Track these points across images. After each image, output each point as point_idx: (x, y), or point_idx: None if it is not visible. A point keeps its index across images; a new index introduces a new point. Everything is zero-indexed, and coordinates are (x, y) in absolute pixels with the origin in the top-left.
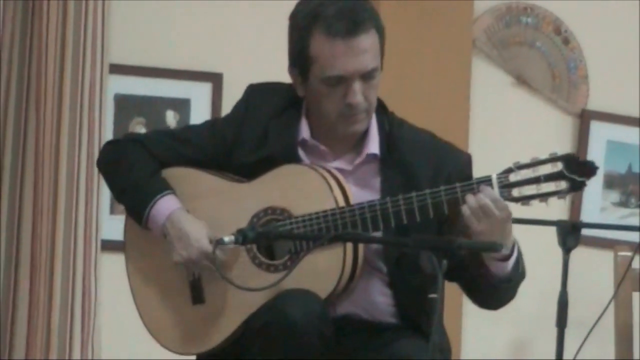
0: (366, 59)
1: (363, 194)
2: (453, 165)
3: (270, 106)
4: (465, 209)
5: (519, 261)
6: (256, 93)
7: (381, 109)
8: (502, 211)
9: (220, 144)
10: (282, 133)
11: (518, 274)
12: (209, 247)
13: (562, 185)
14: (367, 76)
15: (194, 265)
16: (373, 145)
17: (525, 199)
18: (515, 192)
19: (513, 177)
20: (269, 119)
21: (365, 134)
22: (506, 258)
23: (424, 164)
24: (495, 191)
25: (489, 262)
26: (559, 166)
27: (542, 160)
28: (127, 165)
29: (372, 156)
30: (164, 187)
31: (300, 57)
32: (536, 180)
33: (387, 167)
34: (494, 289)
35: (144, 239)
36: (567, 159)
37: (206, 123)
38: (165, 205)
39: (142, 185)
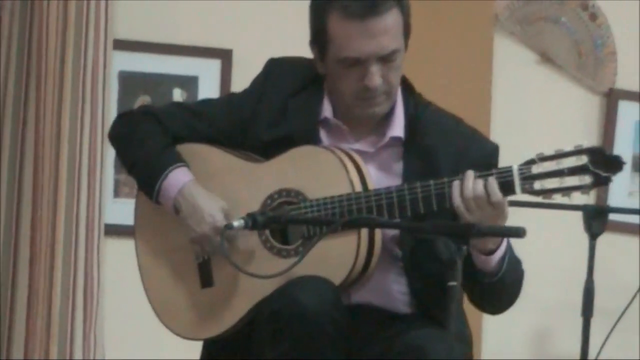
0: (384, 41)
1: (385, 178)
2: (477, 154)
3: (291, 82)
4: (456, 198)
5: (506, 259)
6: (276, 68)
7: (408, 89)
8: (496, 209)
9: (237, 120)
10: (302, 111)
11: (504, 271)
12: (223, 222)
13: (586, 179)
14: (386, 58)
15: (208, 241)
16: (397, 128)
17: (547, 193)
18: (537, 185)
19: (535, 169)
20: (289, 96)
21: (389, 116)
22: (491, 252)
23: (447, 151)
24: (516, 182)
25: (473, 254)
26: (583, 159)
27: (566, 153)
28: (140, 138)
29: (396, 139)
30: (177, 160)
31: (318, 36)
32: (559, 174)
33: (410, 151)
34: (480, 286)
35: (155, 217)
36: (592, 152)
37: (223, 97)
38: (177, 178)
39: (154, 157)
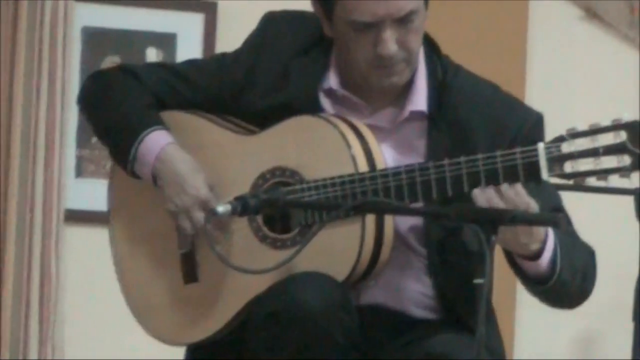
0: (399, 1)
1: (405, 159)
2: (519, 125)
3: (293, 41)
4: (479, 197)
5: (558, 257)
6: (275, 24)
7: (433, 52)
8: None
9: (228, 84)
10: (305, 76)
11: (560, 273)
12: (207, 196)
13: (625, 160)
14: (403, 20)
15: (188, 216)
16: (419, 101)
17: (579, 176)
18: (568, 167)
19: (566, 148)
20: (290, 57)
21: (410, 85)
22: (537, 256)
23: (483, 123)
24: (543, 164)
25: (519, 260)
26: (622, 136)
27: (602, 128)
28: (115, 98)
29: (418, 114)
30: (157, 122)
31: None
32: (594, 153)
33: (436, 126)
34: (539, 291)
35: (133, 199)
36: (632, 128)
37: (212, 57)
38: (156, 141)
39: (132, 118)
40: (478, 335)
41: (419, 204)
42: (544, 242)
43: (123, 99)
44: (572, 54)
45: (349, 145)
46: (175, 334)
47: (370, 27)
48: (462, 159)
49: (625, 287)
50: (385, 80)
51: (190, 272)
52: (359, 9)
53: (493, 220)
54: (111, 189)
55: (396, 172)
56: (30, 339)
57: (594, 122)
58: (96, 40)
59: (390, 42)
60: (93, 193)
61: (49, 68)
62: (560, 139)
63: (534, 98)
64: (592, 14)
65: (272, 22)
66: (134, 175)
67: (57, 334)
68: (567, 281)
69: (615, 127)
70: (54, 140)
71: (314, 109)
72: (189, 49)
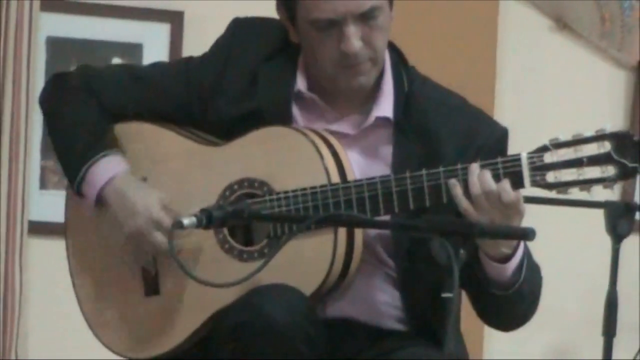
0: None
1: (370, 166)
2: (485, 137)
3: (261, 46)
4: (461, 200)
5: (524, 266)
6: (243, 29)
7: (399, 62)
8: (509, 208)
9: (195, 91)
10: (273, 81)
11: (522, 283)
12: (160, 215)
13: (610, 170)
14: (365, 17)
15: (144, 238)
16: (385, 107)
17: (562, 186)
18: (551, 177)
19: (548, 158)
20: (258, 63)
21: (376, 91)
22: (506, 259)
23: (451, 132)
24: (525, 174)
25: (485, 261)
26: (606, 146)
27: (585, 138)
28: (69, 110)
29: (384, 120)
30: (107, 145)
31: None
32: (577, 163)
33: (402, 133)
34: (491, 299)
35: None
36: (617, 138)
37: (178, 62)
38: (108, 167)
39: (81, 138)
40: (445, 350)
41: (389, 216)
42: (514, 249)
43: (74, 113)
44: (542, 64)
45: (321, 156)
46: (136, 348)
47: (332, 25)
48: (441, 168)
49: (595, 301)
50: (353, 81)
51: (151, 284)
52: (319, 7)
53: (461, 233)
54: (68, 201)
55: (371, 182)
56: None
57: (564, 132)
58: (61, 50)
59: (354, 38)
60: (57, 205)
61: (13, 78)
62: (544, 149)
63: (504, 109)
64: (562, 24)
65: (239, 28)
66: (80, 195)
67: (21, 346)
68: (524, 295)
69: (599, 137)
70: (18, 151)
71: (285, 114)
72: (155, 59)
